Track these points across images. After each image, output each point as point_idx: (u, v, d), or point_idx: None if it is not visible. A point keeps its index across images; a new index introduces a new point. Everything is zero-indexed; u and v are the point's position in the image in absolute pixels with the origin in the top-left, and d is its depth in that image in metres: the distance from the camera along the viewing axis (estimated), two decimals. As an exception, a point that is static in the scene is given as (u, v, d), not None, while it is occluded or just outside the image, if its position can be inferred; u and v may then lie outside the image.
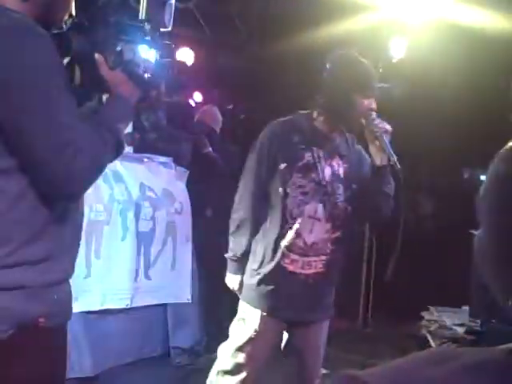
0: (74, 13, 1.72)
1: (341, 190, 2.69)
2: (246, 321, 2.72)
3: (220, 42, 6.21)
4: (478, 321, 3.81)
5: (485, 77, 5.39)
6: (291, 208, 2.63)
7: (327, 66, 2.75)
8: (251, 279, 2.74)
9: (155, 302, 4.49)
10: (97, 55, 1.71)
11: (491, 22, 4.97)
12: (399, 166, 2.57)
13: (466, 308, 4.22)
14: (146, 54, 1.79)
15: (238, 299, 2.85)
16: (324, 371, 4.30)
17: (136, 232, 4.31)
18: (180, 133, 5.22)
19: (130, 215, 4.29)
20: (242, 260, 2.77)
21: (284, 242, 2.65)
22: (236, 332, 2.77)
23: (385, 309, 5.93)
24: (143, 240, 4.38)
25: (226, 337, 2.98)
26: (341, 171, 2.70)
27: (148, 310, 4.48)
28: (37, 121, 1.50)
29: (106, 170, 4.53)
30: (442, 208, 6.16)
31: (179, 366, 4.52)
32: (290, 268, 2.65)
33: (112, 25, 1.75)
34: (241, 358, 2.71)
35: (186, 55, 6.23)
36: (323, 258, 2.68)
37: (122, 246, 4.25)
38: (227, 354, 2.76)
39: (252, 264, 2.75)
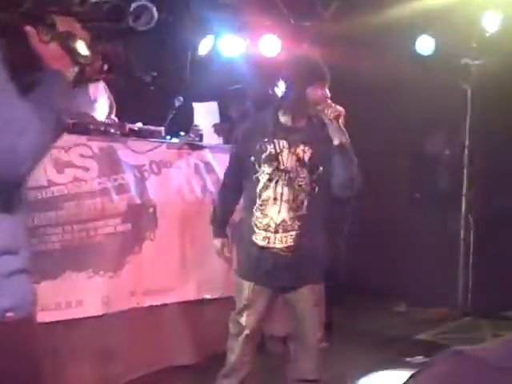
0: None
1: (305, 173, 3.07)
2: (240, 291, 3.17)
3: (304, 28, 6.14)
4: None
5: None
6: (260, 192, 3.09)
7: (283, 66, 3.27)
8: (238, 250, 3.25)
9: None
10: (28, 27, 1.55)
11: None
12: (347, 145, 2.96)
13: None
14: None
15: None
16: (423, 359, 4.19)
17: (228, 222, 4.35)
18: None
19: (222, 205, 4.32)
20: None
21: (255, 221, 3.09)
22: (236, 300, 3.22)
23: (485, 295, 5.70)
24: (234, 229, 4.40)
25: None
26: (306, 157, 3.08)
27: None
28: None
29: (198, 161, 4.64)
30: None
31: (274, 355, 4.53)
32: (261, 244, 3.07)
33: None
34: (242, 320, 3.15)
35: (271, 44, 6.20)
36: (292, 233, 3.06)
37: (216, 236, 4.29)
38: (231, 319, 3.21)
39: (238, 238, 3.29)
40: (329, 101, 2.98)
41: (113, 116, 4.79)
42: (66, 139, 3.77)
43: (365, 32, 5.74)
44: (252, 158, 3.10)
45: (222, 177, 4.41)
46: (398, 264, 5.94)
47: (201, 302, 4.27)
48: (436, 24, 5.70)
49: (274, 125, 3.13)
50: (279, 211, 3.07)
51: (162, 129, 4.51)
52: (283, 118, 3.15)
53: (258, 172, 3.09)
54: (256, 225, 3.10)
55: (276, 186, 3.07)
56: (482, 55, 5.75)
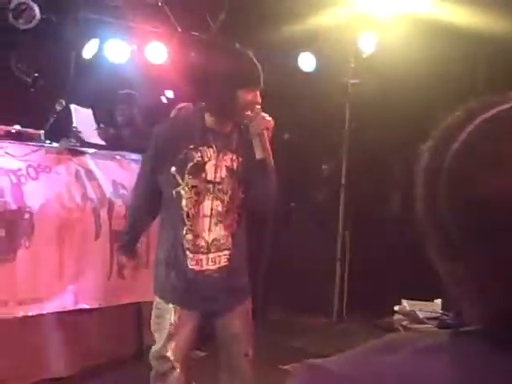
0: None
1: (236, 184, 2.77)
2: (162, 317, 2.80)
3: (191, 37, 6.17)
4: (451, 314, 3.85)
5: (452, 68, 5.45)
6: (187, 209, 2.71)
7: (208, 62, 2.87)
8: (160, 273, 2.83)
9: (129, 300, 4.46)
10: None
11: (459, 15, 5.03)
12: (271, 164, 2.65)
13: (438, 301, 4.27)
14: None
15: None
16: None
17: (109, 230, 4.28)
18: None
19: (103, 213, 4.25)
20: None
21: (186, 244, 2.73)
22: (157, 330, 2.83)
23: (359, 303, 5.97)
24: (116, 238, 4.34)
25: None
26: (235, 166, 2.77)
27: (122, 308, 4.45)
28: None
29: (79, 167, 4.53)
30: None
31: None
32: (197, 268, 2.75)
33: None
34: (169, 354, 2.77)
35: (157, 51, 6.17)
36: (226, 252, 2.78)
37: (95, 245, 4.21)
38: (154, 356, 2.82)
39: (159, 259, 2.85)
40: (258, 108, 2.64)
41: None
42: None
43: (250, 46, 5.86)
44: (173, 169, 2.69)
45: (103, 184, 4.36)
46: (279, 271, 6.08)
47: (78, 312, 4.16)
48: (317, 43, 5.92)
49: (201, 129, 2.73)
50: (210, 229, 2.73)
51: (42, 132, 4.36)
52: (209, 123, 2.75)
53: (180, 185, 2.70)
54: (187, 247, 2.73)
55: (205, 201, 2.71)
56: (358, 75, 6.04)
